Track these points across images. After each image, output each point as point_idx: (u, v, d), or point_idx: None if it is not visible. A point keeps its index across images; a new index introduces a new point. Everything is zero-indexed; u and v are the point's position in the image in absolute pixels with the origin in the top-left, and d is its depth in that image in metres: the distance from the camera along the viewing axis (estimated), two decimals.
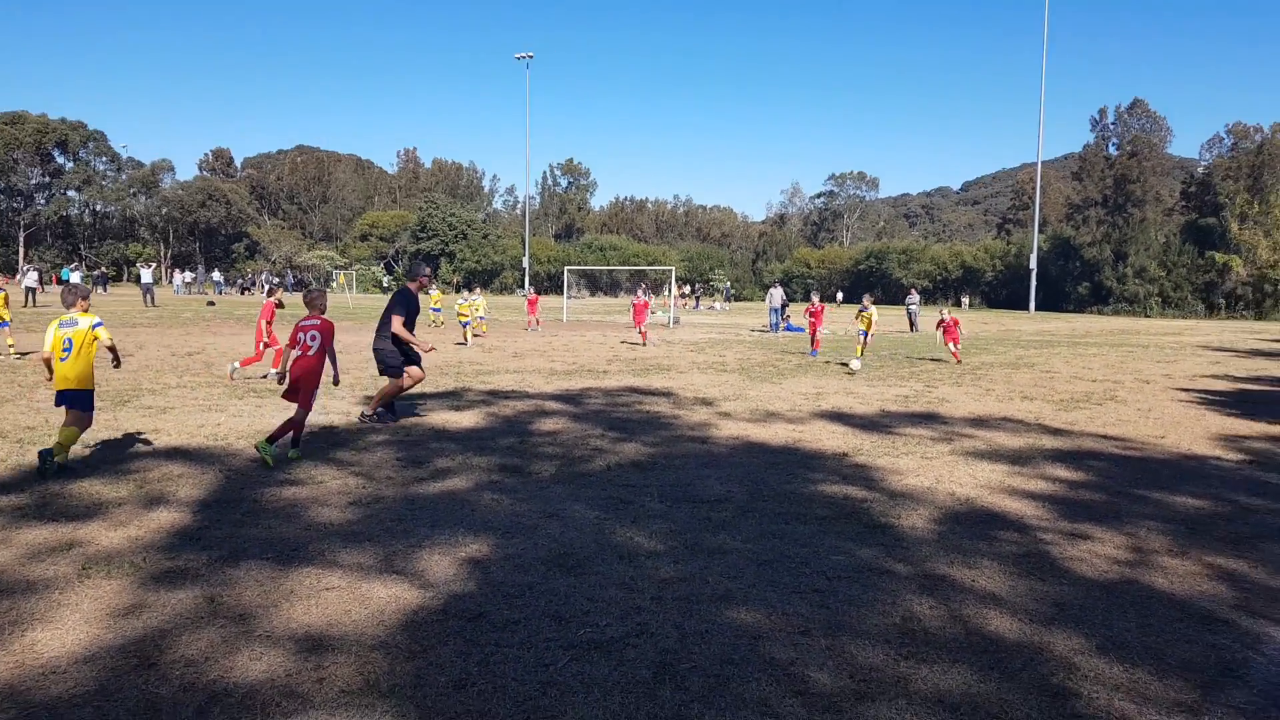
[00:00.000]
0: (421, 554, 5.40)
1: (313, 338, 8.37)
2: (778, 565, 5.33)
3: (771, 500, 6.92)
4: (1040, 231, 67.89)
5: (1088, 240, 72.38)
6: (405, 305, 10.05)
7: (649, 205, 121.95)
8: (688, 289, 64.99)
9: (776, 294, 32.42)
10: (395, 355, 10.05)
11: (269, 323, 14.59)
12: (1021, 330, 36.32)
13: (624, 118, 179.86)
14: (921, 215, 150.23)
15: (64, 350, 7.54)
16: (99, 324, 7.74)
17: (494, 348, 21.55)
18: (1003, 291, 74.63)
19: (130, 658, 3.89)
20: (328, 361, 8.54)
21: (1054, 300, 66.85)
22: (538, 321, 30.41)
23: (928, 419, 11.20)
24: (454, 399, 12.25)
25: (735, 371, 16.86)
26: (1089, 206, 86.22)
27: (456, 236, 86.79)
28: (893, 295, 71.09)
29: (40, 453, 7.28)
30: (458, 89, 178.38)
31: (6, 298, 16.51)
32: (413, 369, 10.26)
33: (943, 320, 19.71)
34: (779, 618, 4.50)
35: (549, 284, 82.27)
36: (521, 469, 7.85)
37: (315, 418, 10.28)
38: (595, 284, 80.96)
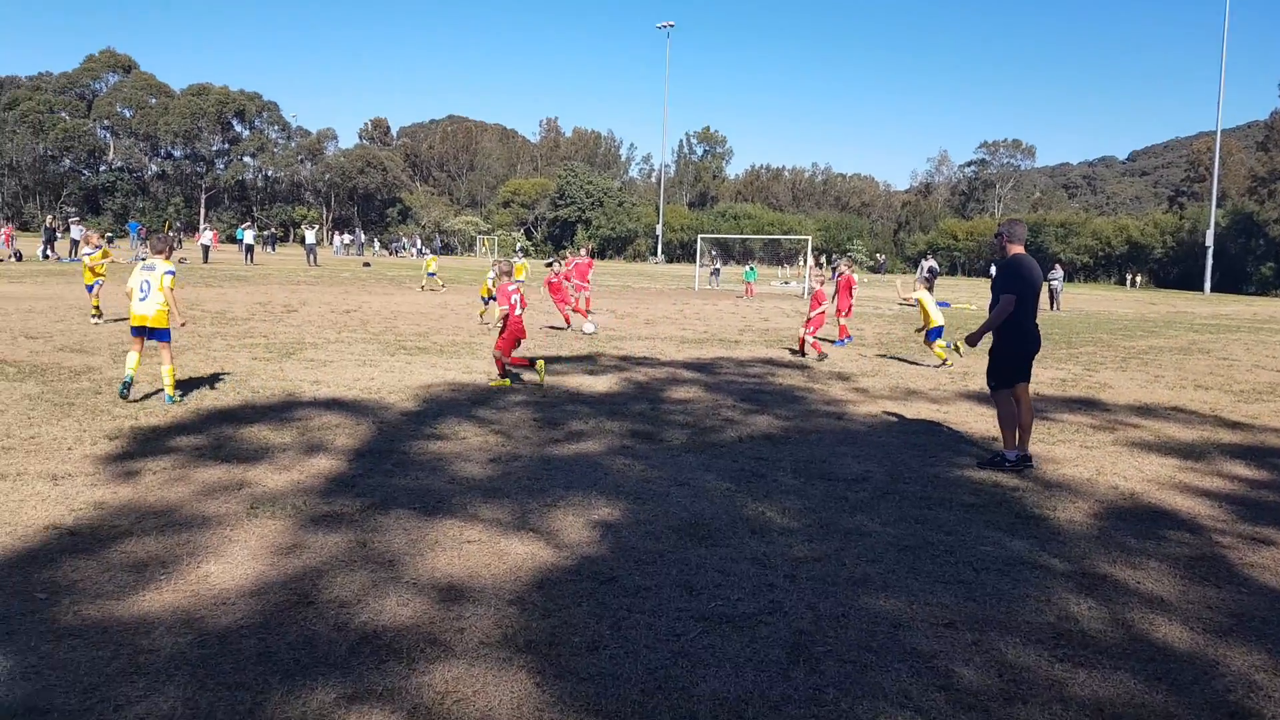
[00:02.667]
0: (555, 514, 5.50)
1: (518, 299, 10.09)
2: (920, 552, 5.12)
3: (913, 483, 6.67)
4: (1219, 206, 62.49)
5: (1274, 216, 66.18)
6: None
7: (786, 173, 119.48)
8: (824, 260, 63.54)
9: (925, 266, 31.11)
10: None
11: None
12: (1195, 313, 33.61)
13: (763, 85, 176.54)
14: (1082, 186, 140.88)
15: (141, 292, 8.24)
16: (170, 272, 8.39)
17: (626, 314, 21.71)
18: (1173, 270, 69.42)
19: (290, 594, 4.13)
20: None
21: (1232, 281, 61.64)
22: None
23: (1087, 405, 10.53)
24: (588, 364, 12.42)
25: (874, 347, 16.36)
26: (1276, 180, 78.62)
27: (593, 204, 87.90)
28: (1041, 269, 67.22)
29: (121, 387, 8.29)
30: (599, 59, 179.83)
31: (105, 254, 16.21)
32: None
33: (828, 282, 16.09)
34: (921, 607, 4.32)
35: (681, 252, 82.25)
36: (653, 435, 7.88)
37: (460, 376, 10.66)
38: (729, 253, 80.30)
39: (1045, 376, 12.89)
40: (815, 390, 10.87)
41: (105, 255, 16.26)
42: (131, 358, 8.35)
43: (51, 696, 3.16)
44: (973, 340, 7.46)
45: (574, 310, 17.93)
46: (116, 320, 14.24)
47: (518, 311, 10.12)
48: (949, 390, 11.32)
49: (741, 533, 5.31)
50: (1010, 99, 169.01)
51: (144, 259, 8.70)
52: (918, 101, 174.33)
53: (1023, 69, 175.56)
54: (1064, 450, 7.97)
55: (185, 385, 9.18)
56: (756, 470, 6.81)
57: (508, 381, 10.11)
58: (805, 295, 34.27)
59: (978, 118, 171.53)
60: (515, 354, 10.28)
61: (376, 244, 73.54)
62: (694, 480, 6.43)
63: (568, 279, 18.08)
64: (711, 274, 41.68)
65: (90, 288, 15.35)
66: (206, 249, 41.35)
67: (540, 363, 10.19)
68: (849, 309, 17.01)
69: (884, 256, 72.80)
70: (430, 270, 28.94)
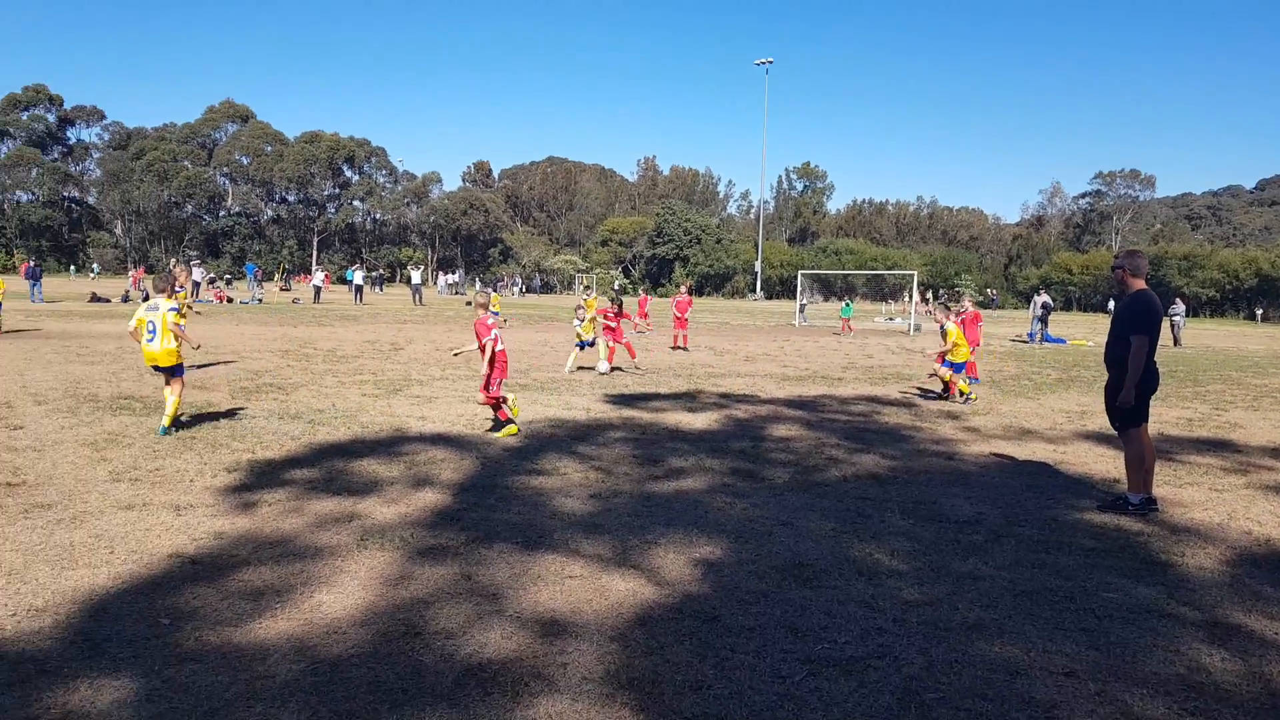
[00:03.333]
0: (657, 551, 5.47)
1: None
2: (1038, 598, 4.88)
3: (1029, 525, 6.39)
4: None
5: None
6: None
7: (889, 207, 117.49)
8: (930, 295, 61.98)
9: (1039, 301, 29.96)
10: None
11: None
12: None
13: (865, 118, 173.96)
14: (1206, 217, 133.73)
15: (149, 333, 8.70)
16: (174, 309, 8.82)
17: (725, 351, 21.64)
18: None
19: (398, 624, 4.22)
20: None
21: None
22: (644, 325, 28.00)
23: (1217, 446, 9.90)
24: (688, 400, 12.40)
25: (985, 384, 15.82)
26: None
27: (691, 241, 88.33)
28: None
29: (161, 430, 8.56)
30: (696, 98, 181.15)
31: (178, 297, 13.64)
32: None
33: None
34: (1039, 655, 4.11)
35: (781, 288, 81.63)
36: (755, 474, 7.78)
37: (560, 412, 10.78)
38: (829, 288, 79.29)
39: (1170, 416, 12.20)
40: (923, 429, 10.56)
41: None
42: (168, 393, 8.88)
43: (174, 718, 3.30)
44: (1126, 401, 6.61)
45: (611, 346, 16.62)
46: (204, 366, 14.97)
47: (500, 346, 9.30)
48: (1066, 430, 10.83)
49: (848, 574, 5.17)
50: (1127, 127, 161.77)
51: (147, 299, 9.22)
52: (1028, 131, 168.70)
53: (1140, 96, 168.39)
54: (1192, 493, 7.49)
55: (300, 418, 9.58)
56: (863, 510, 6.63)
57: (515, 429, 9.19)
58: (911, 331, 33.50)
59: (1092, 147, 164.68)
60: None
61: (478, 283, 75.98)
62: (797, 520, 6.30)
63: (627, 317, 17.77)
64: (799, 310, 41.47)
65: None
66: (318, 290, 43.32)
67: (513, 399, 9.58)
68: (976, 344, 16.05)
69: (995, 291, 70.47)
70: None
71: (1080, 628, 4.47)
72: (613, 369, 15.68)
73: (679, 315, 22.32)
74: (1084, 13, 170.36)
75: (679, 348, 21.45)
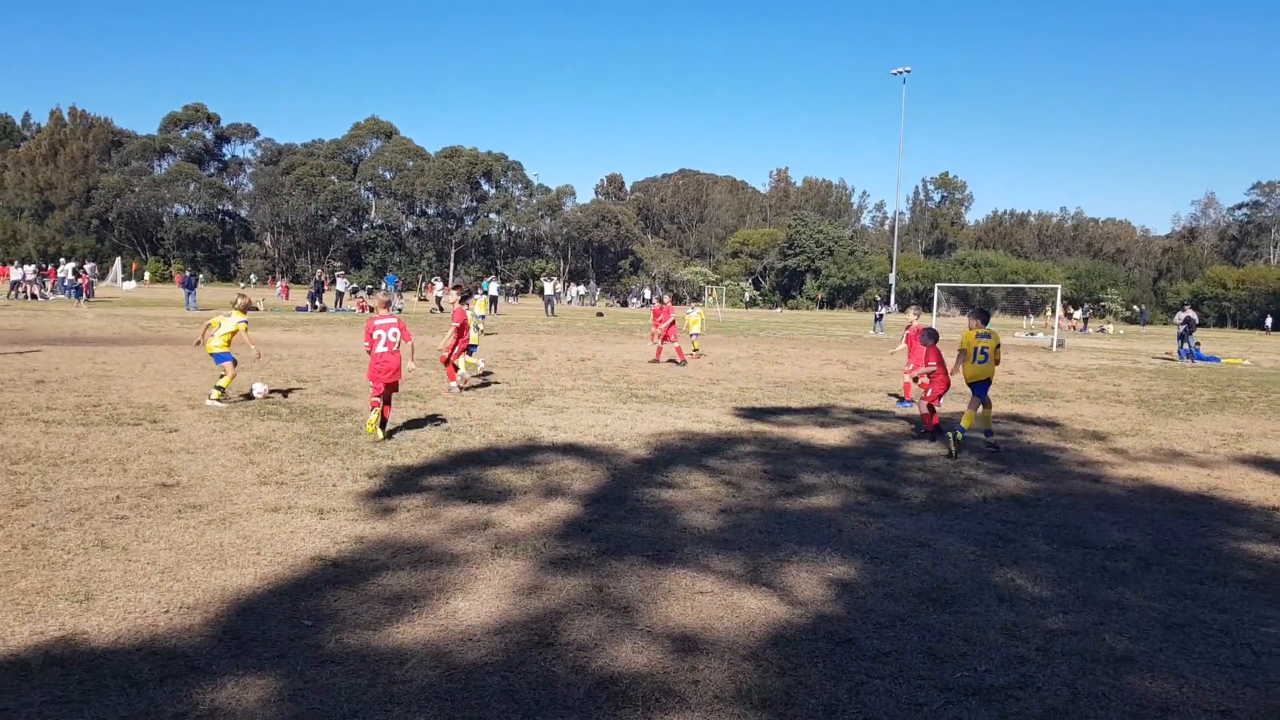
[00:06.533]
0: (789, 569, 5.41)
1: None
2: (1190, 630, 4.58)
3: (1181, 554, 5.98)
4: None
5: None
6: None
7: (1031, 218, 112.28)
8: (1075, 311, 58.67)
9: (1182, 316, 27.98)
10: None
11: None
12: None
13: (1006, 127, 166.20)
14: None
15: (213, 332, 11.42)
16: (243, 321, 11.64)
17: (858, 365, 21.15)
18: None
19: (531, 634, 4.33)
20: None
21: None
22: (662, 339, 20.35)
23: None
24: (820, 415, 12.20)
25: (1133, 404, 14.88)
26: None
27: (823, 253, 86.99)
28: None
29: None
30: (831, 109, 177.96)
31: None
32: None
33: None
34: (1193, 691, 3.87)
35: (916, 301, 79.20)
36: (890, 493, 7.58)
37: (690, 425, 10.81)
38: (967, 302, 76.29)
39: None
40: (1067, 450, 10.03)
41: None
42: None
43: (315, 719, 3.44)
44: None
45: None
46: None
47: (379, 349, 9.24)
48: (1220, 453, 10.06)
49: (988, 600, 4.97)
50: None
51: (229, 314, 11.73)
52: (1180, 139, 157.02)
53: None
54: None
55: (437, 426, 9.98)
56: (1003, 534, 6.36)
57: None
58: (1054, 347, 31.86)
59: (1250, 156, 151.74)
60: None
61: (597, 293, 77.21)
62: (935, 542, 6.11)
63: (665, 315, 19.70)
64: (875, 319, 41.07)
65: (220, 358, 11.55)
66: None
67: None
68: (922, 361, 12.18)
69: (1142, 306, 66.14)
70: (482, 313, 27.78)
71: (1236, 664, 4.18)
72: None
73: (657, 327, 19.83)
74: (1241, 11, 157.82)
75: (658, 361, 19.62)
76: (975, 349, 9.91)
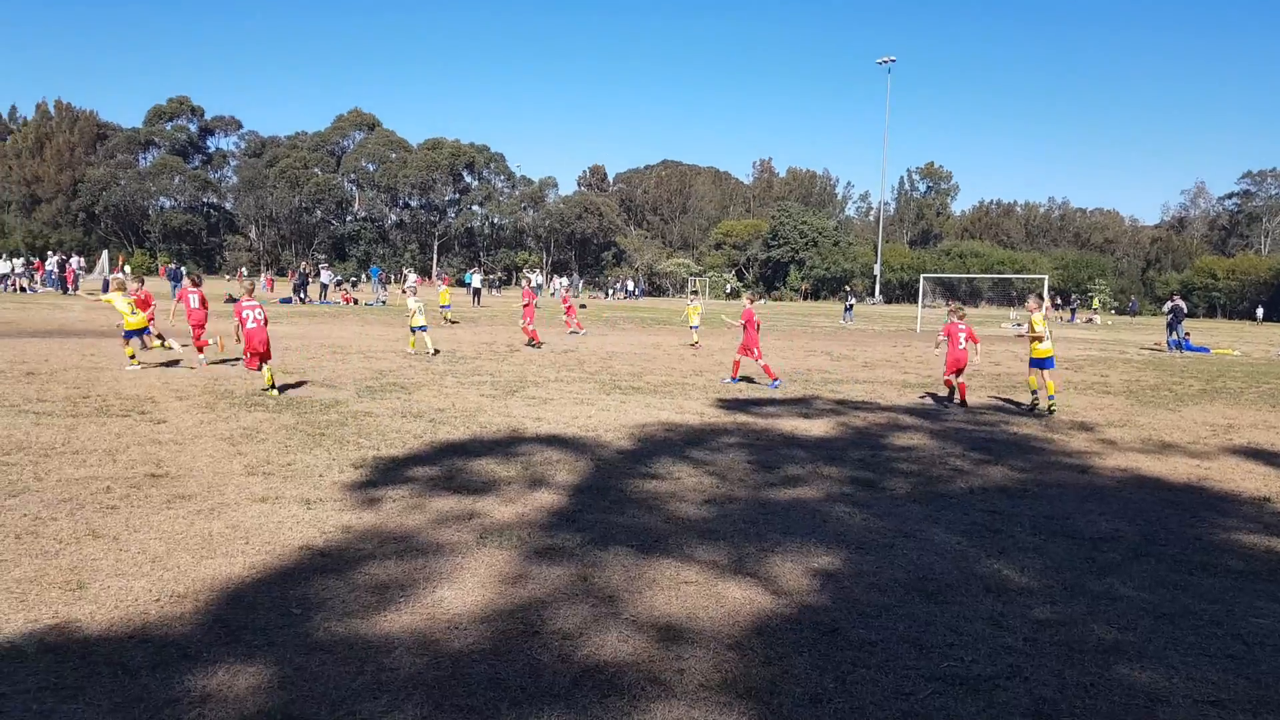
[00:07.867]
0: (774, 559, 5.39)
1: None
2: (1180, 621, 4.58)
3: (1170, 545, 5.99)
4: None
5: None
6: None
7: (1018, 209, 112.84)
8: (1061, 301, 59.02)
9: (1169, 306, 28.20)
10: None
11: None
12: None
13: (992, 116, 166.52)
14: None
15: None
16: (126, 297, 13.77)
17: (842, 356, 21.19)
18: None
19: (517, 623, 4.29)
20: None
21: None
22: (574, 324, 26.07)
23: None
24: (803, 406, 12.20)
25: (1121, 394, 14.95)
26: None
27: (807, 244, 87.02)
28: None
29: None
30: (814, 98, 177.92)
31: (137, 304, 13.96)
32: None
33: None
34: (1182, 681, 3.87)
35: (901, 292, 79.52)
36: (874, 484, 7.57)
37: (673, 416, 10.78)
38: (953, 292, 76.66)
39: None
40: (1054, 441, 10.06)
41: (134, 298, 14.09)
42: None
43: (305, 706, 3.43)
44: None
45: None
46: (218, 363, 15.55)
47: (249, 325, 11.72)
48: (1211, 444, 10.12)
49: (975, 590, 4.96)
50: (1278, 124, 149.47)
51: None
52: (1169, 128, 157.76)
53: None
54: None
55: (422, 417, 9.91)
56: (990, 524, 6.36)
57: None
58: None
59: (1240, 146, 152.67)
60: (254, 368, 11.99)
61: (578, 286, 77.08)
62: (921, 532, 6.10)
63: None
64: (845, 309, 42.11)
65: (131, 334, 13.80)
66: (477, 292, 43.69)
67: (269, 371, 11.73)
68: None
69: (1133, 297, 66.53)
70: (446, 303, 28.61)
71: (1227, 654, 4.18)
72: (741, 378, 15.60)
73: (527, 316, 20.64)
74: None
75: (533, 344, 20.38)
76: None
